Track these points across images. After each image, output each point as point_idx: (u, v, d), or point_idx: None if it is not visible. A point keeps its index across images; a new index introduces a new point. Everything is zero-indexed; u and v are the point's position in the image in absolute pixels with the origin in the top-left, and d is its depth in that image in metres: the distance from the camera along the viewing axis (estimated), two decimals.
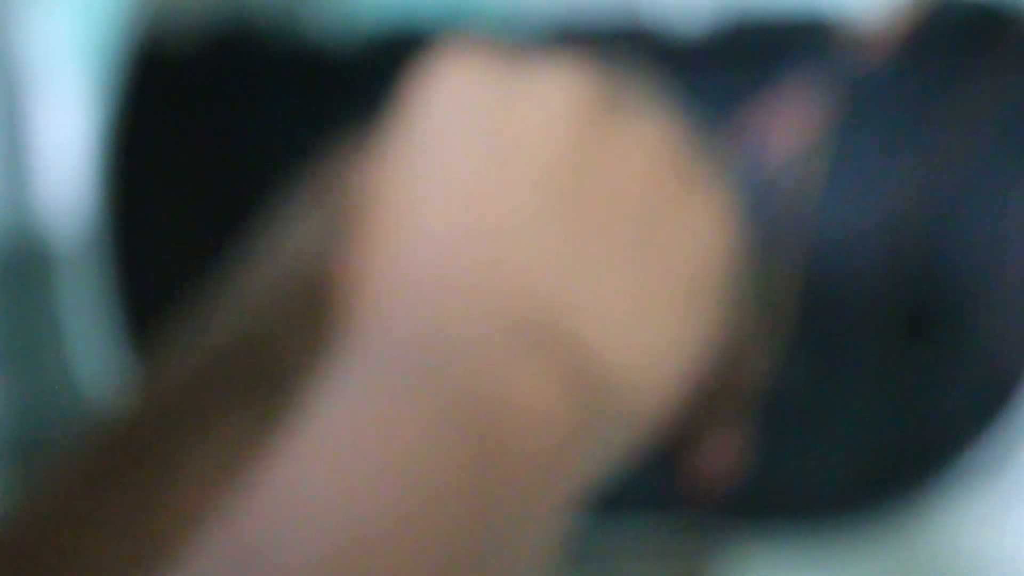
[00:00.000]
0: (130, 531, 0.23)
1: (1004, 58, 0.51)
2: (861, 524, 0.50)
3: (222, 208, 0.55)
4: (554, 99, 0.22)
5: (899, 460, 0.55)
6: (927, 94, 0.52)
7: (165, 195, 0.53)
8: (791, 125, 0.39)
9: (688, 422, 0.27)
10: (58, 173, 0.54)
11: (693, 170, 0.22)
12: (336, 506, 0.16)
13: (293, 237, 0.29)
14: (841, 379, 0.53)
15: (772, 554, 0.47)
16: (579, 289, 0.21)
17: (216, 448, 0.24)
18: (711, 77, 0.54)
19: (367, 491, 0.17)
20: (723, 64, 0.53)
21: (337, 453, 0.18)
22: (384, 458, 0.17)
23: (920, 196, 0.52)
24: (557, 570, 0.19)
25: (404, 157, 0.24)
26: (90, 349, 0.47)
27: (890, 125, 0.52)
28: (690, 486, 0.40)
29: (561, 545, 0.20)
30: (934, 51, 0.52)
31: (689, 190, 0.22)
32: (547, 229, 0.21)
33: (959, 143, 0.51)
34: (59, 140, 0.54)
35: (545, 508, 0.19)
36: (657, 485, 0.42)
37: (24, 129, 0.55)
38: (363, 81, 0.56)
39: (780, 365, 0.37)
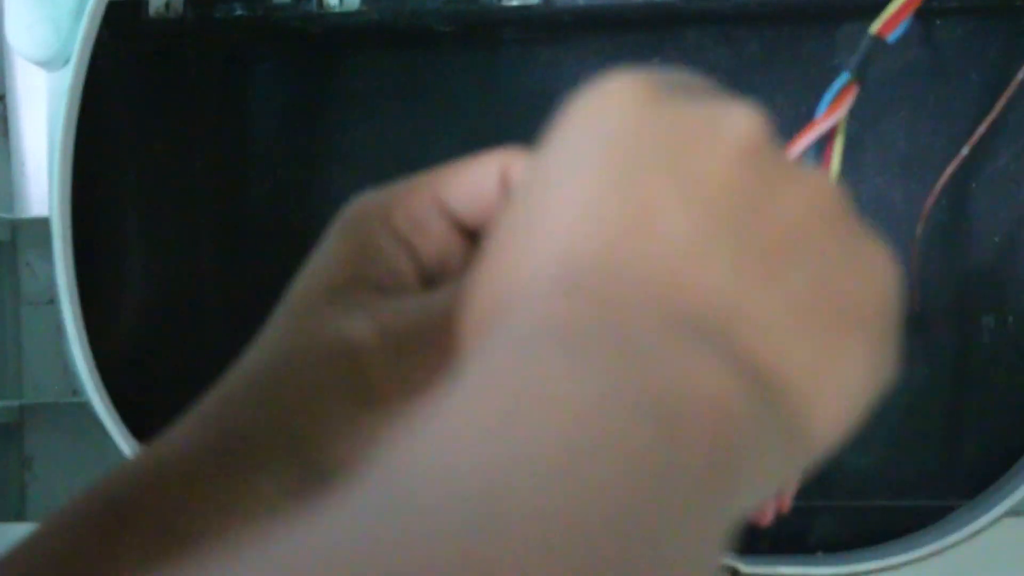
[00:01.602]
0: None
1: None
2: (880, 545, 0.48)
3: (200, 168, 0.54)
4: (728, 124, 0.20)
5: (917, 471, 0.54)
6: (947, 66, 0.51)
7: (136, 148, 0.51)
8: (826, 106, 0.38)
9: None
10: (36, 153, 0.53)
11: (856, 218, 0.21)
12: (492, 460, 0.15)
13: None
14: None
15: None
16: (751, 304, 0.19)
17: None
18: (736, 47, 0.54)
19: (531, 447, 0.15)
20: (750, 33, 0.53)
21: (491, 417, 0.16)
22: (549, 421, 0.15)
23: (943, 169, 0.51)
24: None
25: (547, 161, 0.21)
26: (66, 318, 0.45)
27: (910, 99, 0.52)
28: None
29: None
30: (954, 26, 0.51)
31: (859, 236, 0.21)
32: (711, 241, 0.19)
33: (983, 115, 0.50)
34: (36, 114, 0.53)
35: (714, 514, 0.17)
36: None
37: (11, 115, 0.55)
38: (346, 46, 0.55)
39: None
